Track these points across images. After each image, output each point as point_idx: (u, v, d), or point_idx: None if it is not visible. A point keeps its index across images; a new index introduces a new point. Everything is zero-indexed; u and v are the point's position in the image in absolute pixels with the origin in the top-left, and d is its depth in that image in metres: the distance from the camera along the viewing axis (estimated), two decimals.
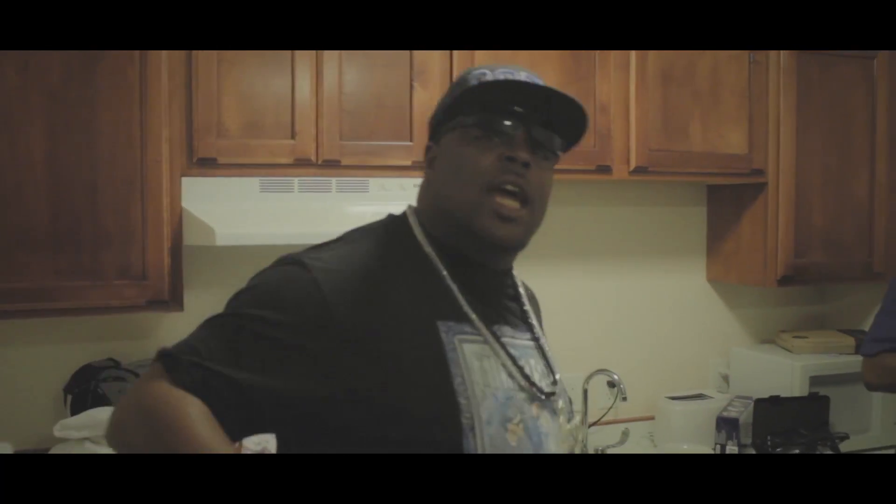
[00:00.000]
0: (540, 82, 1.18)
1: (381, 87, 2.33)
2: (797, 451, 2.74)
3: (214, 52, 2.16)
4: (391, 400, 1.07)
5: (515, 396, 1.14)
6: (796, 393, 2.89)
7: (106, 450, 2.14)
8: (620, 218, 3.09)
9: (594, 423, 2.89)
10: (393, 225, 1.24)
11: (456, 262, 1.18)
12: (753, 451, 2.82)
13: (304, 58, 2.24)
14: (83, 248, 2.07)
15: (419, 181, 2.36)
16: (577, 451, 1.24)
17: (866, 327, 2.43)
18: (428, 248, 1.18)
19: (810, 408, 2.85)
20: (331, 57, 2.26)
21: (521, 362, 1.18)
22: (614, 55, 2.62)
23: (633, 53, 2.65)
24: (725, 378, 3.22)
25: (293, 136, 2.24)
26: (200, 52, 2.14)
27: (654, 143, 2.69)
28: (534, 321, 1.28)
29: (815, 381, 2.91)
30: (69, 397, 2.29)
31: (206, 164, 2.17)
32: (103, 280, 2.09)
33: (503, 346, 1.16)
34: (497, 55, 2.46)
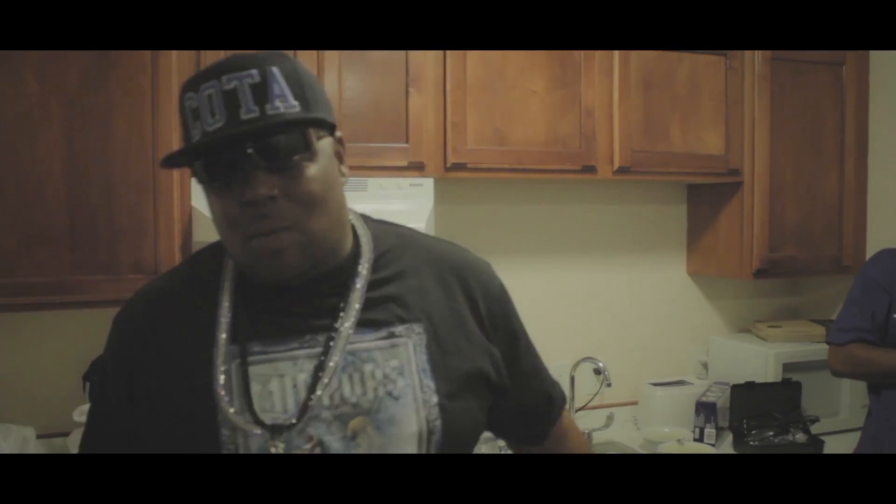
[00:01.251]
0: (248, 85, 0.97)
1: (379, 93, 2.34)
2: (771, 434, 2.76)
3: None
4: (161, 435, 1.02)
5: (313, 417, 1.00)
6: (770, 379, 2.90)
7: None
8: (605, 215, 3.10)
9: (581, 408, 2.91)
10: (213, 250, 1.13)
11: (253, 283, 1.06)
12: (730, 434, 2.84)
13: (306, 64, 2.25)
14: (99, 245, 2.08)
15: (415, 181, 2.40)
16: None
17: (836, 317, 2.44)
18: (227, 272, 1.08)
19: (783, 393, 2.86)
20: (331, 64, 2.27)
21: (270, 383, 1.02)
22: (598, 62, 2.63)
23: (616, 61, 2.66)
24: (704, 365, 3.24)
25: None
26: (207, 60, 2.15)
27: (637, 144, 2.70)
28: (339, 321, 1.04)
29: (788, 367, 2.92)
30: (88, 384, 2.30)
31: None
32: (118, 274, 2.10)
33: (244, 370, 1.01)
34: (486, 55, 2.48)
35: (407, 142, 2.36)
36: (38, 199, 2.02)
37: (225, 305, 1.05)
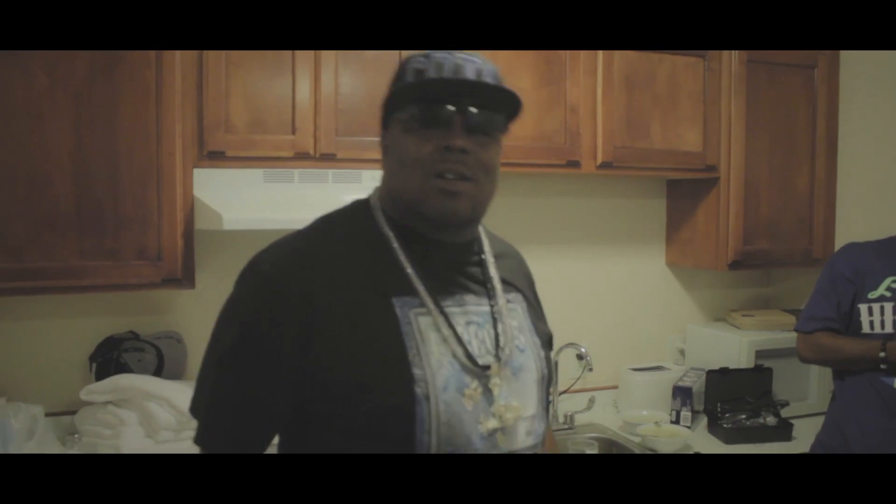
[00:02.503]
0: (473, 66, 1.14)
1: (373, 88, 2.35)
2: (743, 417, 2.79)
3: (223, 56, 2.18)
4: (346, 375, 1.07)
5: (468, 364, 1.12)
6: (743, 365, 2.93)
7: (126, 412, 2.18)
8: (588, 208, 3.13)
9: (564, 392, 2.94)
10: (357, 209, 1.22)
11: (412, 240, 1.16)
12: (705, 417, 2.87)
13: (304, 61, 2.27)
14: (105, 232, 2.09)
15: None
16: (501, 435, 1.13)
17: (804, 307, 2.48)
18: (386, 229, 1.17)
19: (755, 378, 2.89)
20: (328, 61, 2.29)
21: (462, 331, 1.14)
22: (583, 62, 2.65)
23: (600, 60, 2.68)
24: (681, 352, 3.27)
25: (294, 132, 2.27)
26: (210, 56, 2.16)
27: (619, 141, 2.73)
28: (496, 288, 1.21)
29: (760, 354, 2.95)
30: (94, 365, 2.32)
31: (216, 157, 2.20)
32: (123, 260, 2.11)
33: (446, 317, 1.13)
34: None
35: None
36: (47, 187, 2.03)
37: (405, 261, 1.15)
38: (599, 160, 2.70)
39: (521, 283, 1.31)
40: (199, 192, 2.17)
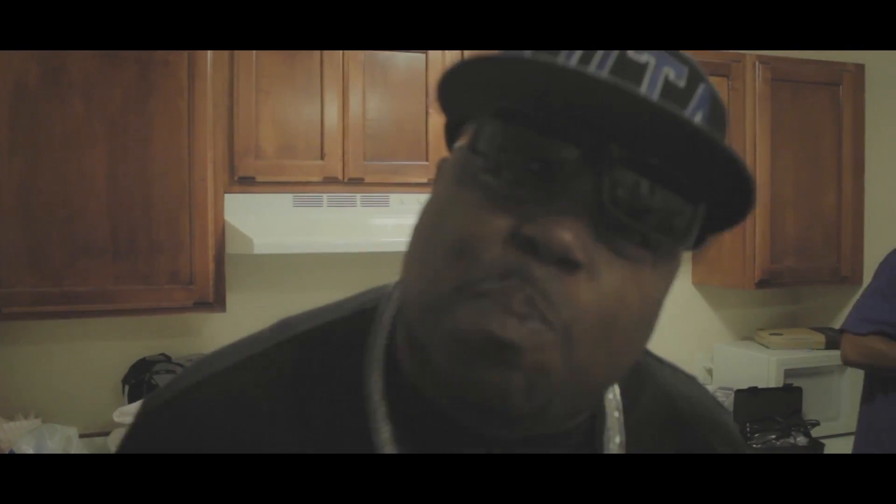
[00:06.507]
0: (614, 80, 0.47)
1: (400, 114, 2.36)
2: (773, 437, 2.75)
3: (253, 84, 2.20)
4: None
5: None
6: (772, 384, 2.88)
7: None
8: None
9: None
10: (356, 323, 0.58)
11: (414, 413, 0.53)
12: None
13: (332, 87, 2.28)
14: (139, 257, 2.11)
15: None
16: None
17: (835, 325, 2.42)
18: (373, 379, 0.54)
19: (785, 398, 2.84)
20: (355, 86, 2.30)
21: None
22: None
23: None
24: (709, 371, 3.22)
25: (322, 158, 2.28)
26: (240, 83, 2.19)
27: None
28: None
29: (790, 373, 2.90)
30: (127, 387, 2.33)
31: (246, 182, 2.21)
32: (156, 284, 2.13)
33: None
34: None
35: (427, 160, 2.38)
36: (83, 213, 2.06)
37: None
38: None
39: None
40: (229, 216, 2.19)
